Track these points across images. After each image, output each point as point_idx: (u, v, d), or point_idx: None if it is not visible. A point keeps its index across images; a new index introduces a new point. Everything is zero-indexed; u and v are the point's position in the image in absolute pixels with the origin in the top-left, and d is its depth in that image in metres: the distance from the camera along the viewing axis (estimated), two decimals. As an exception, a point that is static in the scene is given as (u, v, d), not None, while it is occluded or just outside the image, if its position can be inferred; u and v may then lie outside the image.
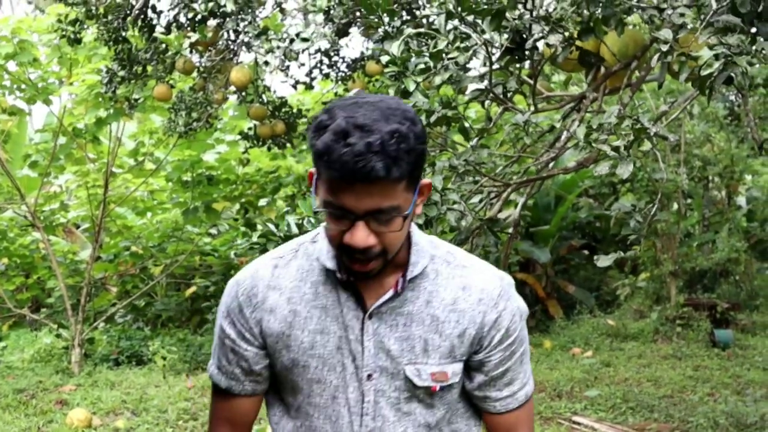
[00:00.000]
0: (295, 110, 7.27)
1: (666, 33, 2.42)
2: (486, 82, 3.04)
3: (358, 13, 5.64)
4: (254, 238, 10.77)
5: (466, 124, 3.23)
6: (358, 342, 1.60)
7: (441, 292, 1.63)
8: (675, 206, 11.51)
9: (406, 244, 1.62)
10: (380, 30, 5.63)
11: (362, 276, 1.57)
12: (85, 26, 6.55)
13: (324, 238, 1.63)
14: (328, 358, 1.61)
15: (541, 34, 2.83)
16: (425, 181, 1.57)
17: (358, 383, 1.61)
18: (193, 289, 11.83)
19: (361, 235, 1.47)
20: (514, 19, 2.87)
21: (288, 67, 6.49)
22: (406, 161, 1.43)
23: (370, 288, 1.61)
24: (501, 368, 1.69)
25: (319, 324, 1.61)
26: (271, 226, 7.79)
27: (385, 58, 2.96)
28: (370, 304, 1.60)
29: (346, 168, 1.40)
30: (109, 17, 6.25)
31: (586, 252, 13.32)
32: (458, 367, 1.65)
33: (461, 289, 1.64)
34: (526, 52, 3.00)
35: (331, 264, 1.61)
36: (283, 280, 1.65)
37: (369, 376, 1.61)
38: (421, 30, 3.00)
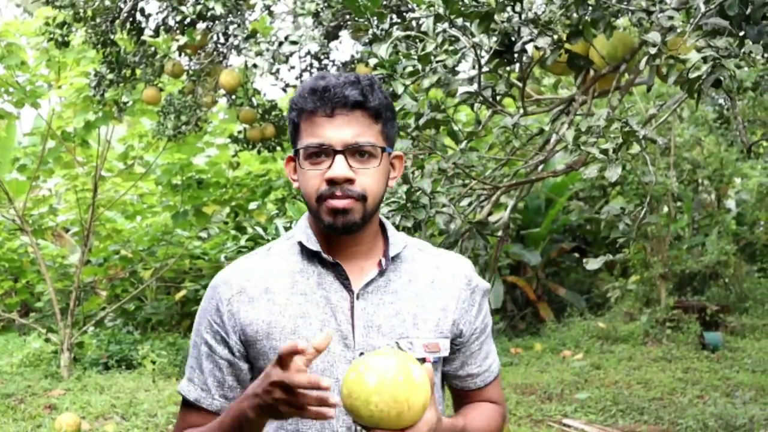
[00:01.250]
0: (285, 113, 7.25)
1: (654, 36, 2.42)
2: (475, 85, 3.03)
3: (347, 16, 5.64)
4: (243, 242, 10.74)
5: (456, 127, 3.23)
6: (348, 323, 1.63)
7: (420, 273, 1.72)
8: (665, 209, 11.55)
9: (381, 231, 1.73)
10: (369, 33, 5.63)
11: (344, 225, 1.60)
12: (74, 29, 6.52)
13: (301, 231, 1.70)
14: (313, 340, 1.61)
15: (530, 37, 2.83)
16: (399, 152, 1.71)
17: (347, 364, 1.62)
18: (183, 292, 11.79)
19: (342, 167, 1.56)
20: (503, 21, 2.87)
21: (278, 70, 6.48)
22: (379, 97, 1.60)
23: (352, 272, 1.66)
24: (477, 342, 1.78)
25: (300, 309, 1.64)
26: (260, 230, 7.77)
27: (373, 61, 2.95)
28: (356, 286, 1.65)
29: (326, 96, 1.57)
30: (98, 20, 6.23)
31: (576, 255, 13.34)
32: (446, 342, 1.71)
33: (436, 268, 1.75)
34: (515, 55, 3.00)
35: (315, 246, 1.66)
36: (258, 273, 1.69)
37: (361, 355, 1.63)
38: (410, 33, 3.00)
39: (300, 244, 1.69)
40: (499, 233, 3.80)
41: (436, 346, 1.69)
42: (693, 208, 13.00)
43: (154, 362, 9.05)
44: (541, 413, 6.93)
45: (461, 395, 1.83)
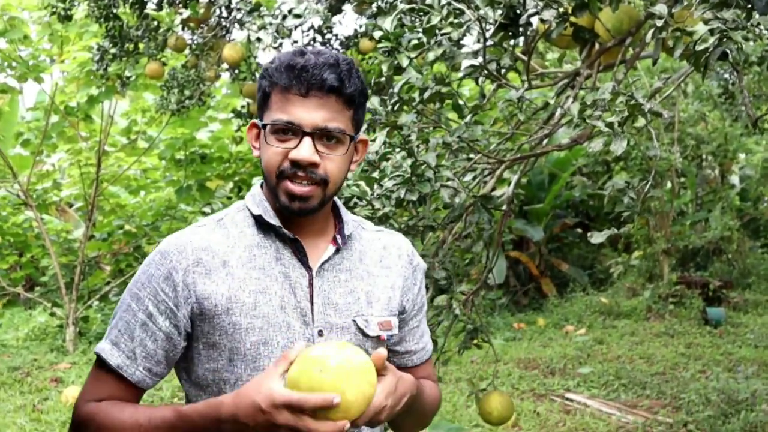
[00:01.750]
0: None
1: (661, 8, 2.41)
2: (480, 59, 3.02)
3: (351, -10, 5.60)
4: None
5: (460, 101, 3.22)
6: (307, 300, 1.62)
7: (368, 252, 1.73)
8: (668, 185, 11.53)
9: (332, 208, 1.72)
10: (373, 6, 5.60)
11: (299, 209, 1.58)
12: (76, 3, 6.48)
13: (256, 203, 1.66)
14: (273, 317, 1.58)
15: (535, 10, 2.81)
16: (364, 136, 1.69)
17: (307, 341, 1.60)
18: (186, 267, 11.81)
19: (308, 150, 1.54)
20: (508, -6, 2.85)
21: (281, 44, 6.44)
22: (355, 83, 1.57)
23: (308, 249, 1.64)
24: (416, 319, 1.80)
25: (259, 284, 1.60)
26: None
27: (378, 34, 2.93)
28: (313, 263, 1.64)
29: (303, 75, 1.53)
30: (100, -6, 6.19)
31: (579, 230, 13.35)
32: (396, 320, 1.72)
33: (383, 248, 1.76)
34: (520, 28, 2.98)
35: (275, 221, 1.63)
36: (214, 244, 1.62)
37: (320, 333, 1.61)
38: (415, 5, 2.98)
39: (256, 217, 1.65)
40: (504, 208, 3.80)
41: (389, 324, 1.69)
42: (696, 184, 12.98)
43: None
44: (544, 388, 6.97)
45: None
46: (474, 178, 3.44)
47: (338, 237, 1.68)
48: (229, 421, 1.43)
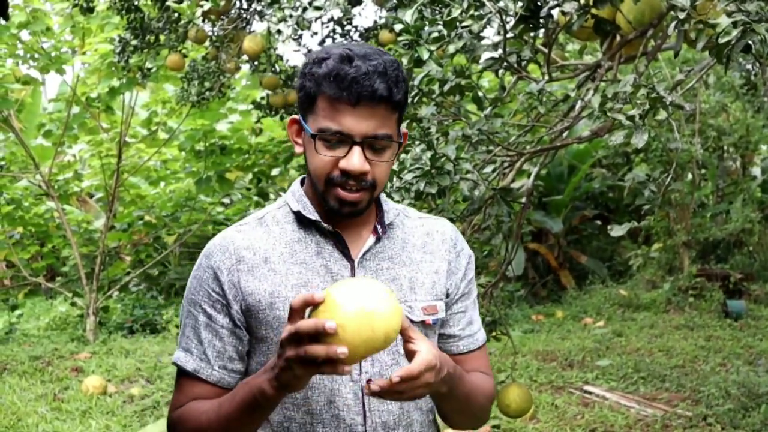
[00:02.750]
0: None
1: (683, 0, 2.39)
2: (500, 51, 3.01)
3: (371, -19, 5.60)
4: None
5: (480, 94, 3.21)
6: None
7: (411, 239, 1.74)
8: (689, 176, 11.45)
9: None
10: (393, -2, 5.59)
11: (349, 213, 1.59)
12: (98, -5, 6.52)
13: (296, 199, 1.69)
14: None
15: (556, 2, 2.80)
16: (405, 129, 1.69)
17: None
18: (206, 258, 11.86)
19: (358, 159, 1.54)
20: (529, -14, 2.84)
21: (300, 36, 6.47)
22: (403, 89, 1.57)
23: (350, 240, 1.67)
24: (462, 306, 1.79)
25: (301, 278, 1.63)
26: (283, 195, 7.79)
27: (398, 27, 2.93)
28: (354, 253, 1.66)
29: (354, 87, 1.50)
30: (122, -14, 6.22)
31: (598, 222, 13.29)
32: (442, 304, 1.72)
33: (426, 234, 1.76)
34: (541, 20, 2.97)
35: (314, 216, 1.66)
36: (255, 242, 1.66)
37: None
38: (435, -2, 2.97)
39: (296, 213, 1.68)
40: (523, 200, 3.79)
41: (434, 309, 1.70)
42: (717, 176, 12.88)
43: (177, 327, 9.13)
44: (563, 380, 6.96)
45: None
46: (493, 171, 3.44)
47: (378, 226, 1.69)
48: (267, 369, 1.45)
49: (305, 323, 1.33)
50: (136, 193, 11.98)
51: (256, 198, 11.86)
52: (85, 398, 6.52)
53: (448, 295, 1.75)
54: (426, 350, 1.45)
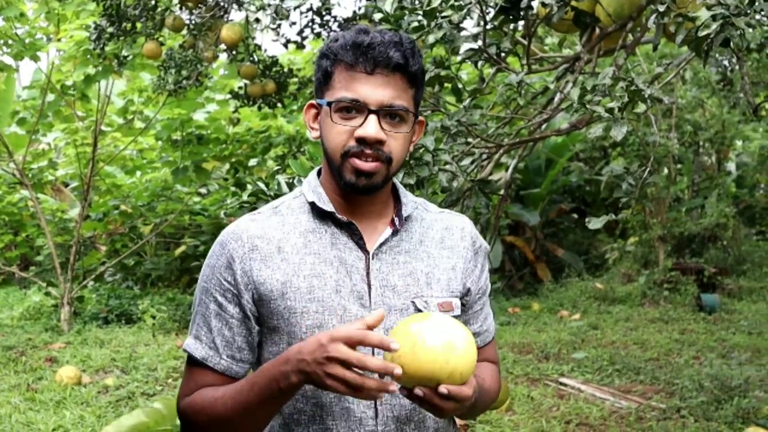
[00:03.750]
0: (285, 70, 7.19)
1: (663, -7, 2.39)
2: (480, 42, 3.01)
3: (350, -29, 5.56)
4: (246, 197, 10.74)
5: (459, 85, 3.20)
6: (364, 282, 1.62)
7: (430, 233, 1.73)
8: (665, 171, 11.54)
9: (392, 190, 1.72)
10: (373, -12, 5.56)
11: (365, 186, 1.58)
12: (73, -19, 6.44)
13: (311, 189, 1.67)
14: (328, 301, 1.59)
15: (536, -6, 2.80)
16: (421, 118, 1.68)
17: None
18: (182, 248, 11.82)
19: (374, 127, 1.54)
20: (510, -23, 2.84)
21: (279, 25, 6.42)
22: (418, 62, 1.58)
23: (365, 231, 1.65)
24: (480, 302, 1.79)
25: (314, 269, 1.61)
26: (262, 185, 7.72)
27: (377, 16, 2.91)
28: (370, 245, 1.64)
29: (369, 53, 1.53)
30: (98, -28, 6.14)
31: (575, 216, 13.36)
32: (457, 301, 1.71)
33: (445, 229, 1.75)
34: (521, 12, 2.97)
35: (328, 207, 1.64)
36: (269, 231, 1.65)
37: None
38: (415, -12, 2.96)
39: (311, 203, 1.67)
40: (501, 192, 3.79)
41: (450, 305, 1.68)
42: (693, 170, 12.99)
43: (153, 317, 9.10)
44: (538, 372, 6.99)
45: None
46: (472, 163, 3.43)
47: (396, 219, 1.68)
48: (293, 359, 1.45)
49: (373, 334, 1.37)
50: (111, 182, 11.88)
51: (233, 188, 11.80)
52: (59, 389, 6.45)
53: (468, 294, 1.74)
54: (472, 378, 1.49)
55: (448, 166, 3.05)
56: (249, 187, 11.10)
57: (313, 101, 1.66)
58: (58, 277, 9.46)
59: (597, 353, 7.50)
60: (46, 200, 11.69)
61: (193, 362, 1.67)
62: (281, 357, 1.48)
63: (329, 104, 1.57)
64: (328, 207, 1.64)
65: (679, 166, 12.47)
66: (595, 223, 3.01)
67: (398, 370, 1.34)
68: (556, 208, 12.83)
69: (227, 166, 12.15)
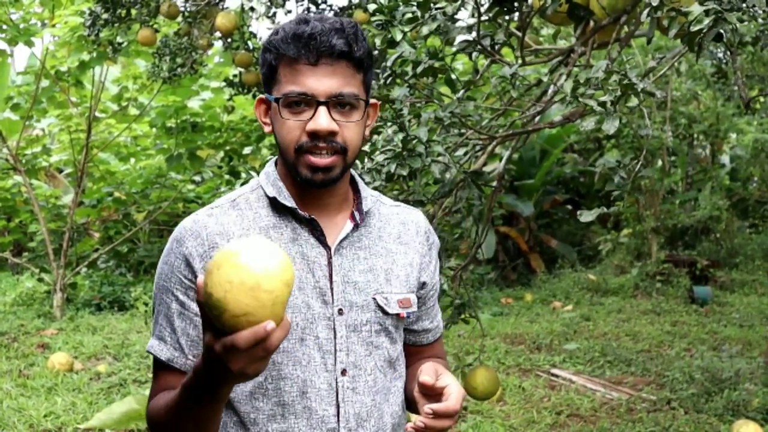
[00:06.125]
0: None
1: (657, -13, 2.39)
2: (474, 34, 3.01)
3: (346, -40, 5.55)
4: (238, 186, 10.73)
5: (453, 76, 3.20)
6: (326, 278, 1.59)
7: (387, 228, 1.71)
8: (659, 163, 11.55)
9: (350, 182, 1.68)
10: (368, -22, 5.55)
11: (322, 181, 1.54)
12: (68, -33, 6.41)
13: (270, 183, 1.63)
14: (291, 298, 1.56)
15: (531, -14, 2.80)
16: (374, 101, 1.65)
17: (327, 321, 1.58)
18: (176, 236, 11.80)
19: (325, 119, 1.51)
20: (504, -31, 2.84)
21: (274, 14, 6.40)
22: (363, 46, 1.53)
23: (326, 227, 1.62)
24: (432, 298, 1.80)
25: None
26: (255, 175, 7.74)
27: (372, 6, 2.91)
28: (331, 241, 1.62)
29: (311, 44, 1.49)
30: (93, -42, 6.11)
31: (569, 207, 13.38)
32: (414, 297, 1.71)
33: (401, 224, 1.74)
34: (515, 4, 2.97)
35: (290, 202, 1.60)
36: (229, 227, 1.59)
37: (340, 311, 1.59)
38: (410, -22, 2.95)
39: (271, 198, 1.62)
40: (494, 184, 3.80)
41: (408, 302, 1.68)
42: (687, 163, 13.01)
43: (146, 304, 9.09)
44: (530, 363, 7.01)
45: (412, 352, 1.81)
46: (465, 154, 3.43)
47: (356, 213, 1.66)
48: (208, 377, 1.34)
49: (243, 336, 1.20)
50: (105, 169, 11.86)
51: (227, 176, 11.79)
52: (51, 375, 6.46)
53: (423, 287, 1.74)
54: (455, 384, 1.52)
55: (441, 158, 3.05)
56: (243, 175, 11.12)
57: (262, 96, 1.62)
58: (51, 264, 9.45)
59: (589, 344, 7.53)
60: (39, 186, 11.66)
61: (159, 364, 1.61)
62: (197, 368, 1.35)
63: (276, 100, 1.54)
64: (290, 203, 1.60)
65: (673, 158, 12.49)
66: (587, 216, 3.02)
67: (270, 325, 1.19)
68: (550, 199, 12.85)
69: (221, 154, 12.14)
